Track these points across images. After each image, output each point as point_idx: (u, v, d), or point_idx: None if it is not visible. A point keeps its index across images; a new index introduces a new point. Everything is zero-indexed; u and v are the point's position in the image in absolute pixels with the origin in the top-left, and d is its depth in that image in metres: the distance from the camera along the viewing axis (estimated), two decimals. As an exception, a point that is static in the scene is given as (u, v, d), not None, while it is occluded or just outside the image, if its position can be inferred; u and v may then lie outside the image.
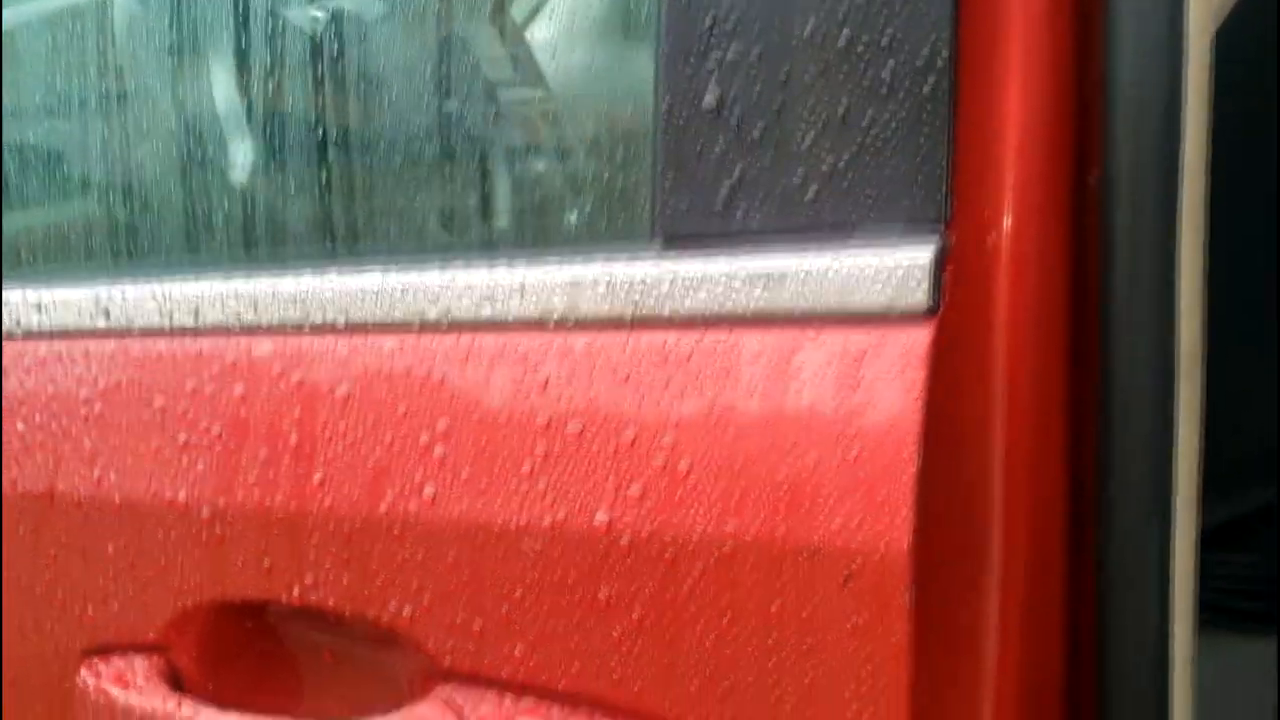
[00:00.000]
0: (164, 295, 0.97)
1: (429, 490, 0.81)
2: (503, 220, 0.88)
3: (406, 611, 0.82)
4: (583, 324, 0.79)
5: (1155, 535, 0.69)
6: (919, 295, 0.69)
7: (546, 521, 0.77)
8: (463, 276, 0.83)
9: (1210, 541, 0.78)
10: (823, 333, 0.71)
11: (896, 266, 0.69)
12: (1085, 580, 0.71)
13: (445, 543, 0.80)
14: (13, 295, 1.07)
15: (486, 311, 0.82)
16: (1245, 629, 1.51)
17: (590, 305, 0.78)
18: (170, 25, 1.03)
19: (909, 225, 0.70)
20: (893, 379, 0.68)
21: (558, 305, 0.80)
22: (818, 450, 0.69)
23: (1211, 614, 0.87)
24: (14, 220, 1.14)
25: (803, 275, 0.72)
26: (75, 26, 1.10)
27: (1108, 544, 0.70)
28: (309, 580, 0.86)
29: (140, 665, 0.93)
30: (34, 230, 1.13)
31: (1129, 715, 0.70)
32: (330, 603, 0.85)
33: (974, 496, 0.69)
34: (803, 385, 0.71)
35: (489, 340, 0.82)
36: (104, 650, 0.97)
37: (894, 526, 0.67)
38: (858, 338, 0.70)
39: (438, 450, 0.81)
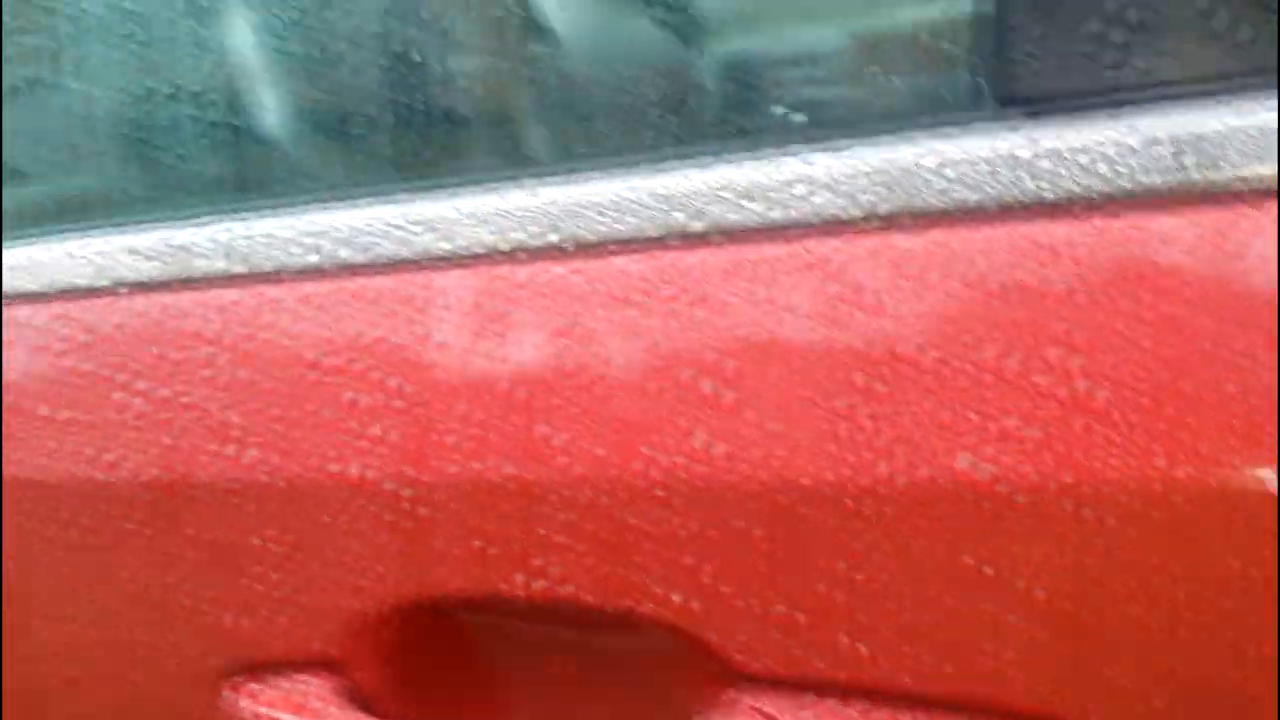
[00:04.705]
0: (290, 228, 0.78)
1: (717, 448, 0.63)
2: (753, 101, 0.70)
3: (683, 601, 0.64)
4: (909, 219, 0.61)
5: None
6: None
7: (884, 471, 0.59)
8: (730, 174, 0.65)
9: None
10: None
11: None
12: None
13: (737, 510, 0.62)
14: (101, 242, 0.87)
15: (775, 215, 0.64)
16: None
17: (923, 195, 0.61)
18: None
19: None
20: None
21: (870, 199, 0.62)
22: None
23: None
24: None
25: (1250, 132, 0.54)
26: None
27: None
28: (544, 566, 0.67)
29: (314, 685, 0.74)
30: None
31: None
32: (576, 594, 0.67)
33: None
34: (1253, 270, 0.53)
35: (777, 251, 0.64)
36: (253, 668, 0.78)
37: None
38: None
39: (726, 396, 0.63)
